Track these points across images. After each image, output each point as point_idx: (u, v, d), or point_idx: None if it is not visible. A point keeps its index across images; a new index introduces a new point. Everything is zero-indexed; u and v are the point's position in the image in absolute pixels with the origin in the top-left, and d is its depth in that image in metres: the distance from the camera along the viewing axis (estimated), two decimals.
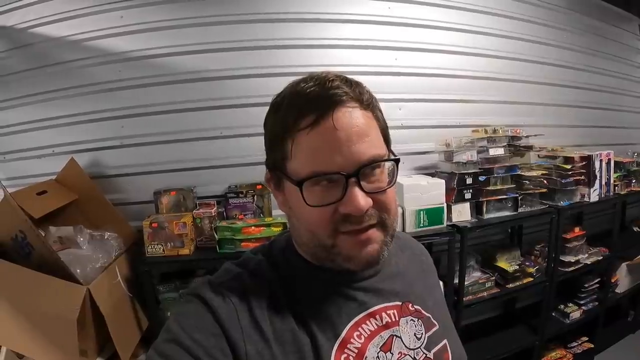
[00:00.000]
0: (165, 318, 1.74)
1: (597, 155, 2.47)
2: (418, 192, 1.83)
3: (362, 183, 0.54)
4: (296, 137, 0.54)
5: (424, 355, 0.63)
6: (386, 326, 0.62)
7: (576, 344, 2.67)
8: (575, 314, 2.54)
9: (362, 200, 0.53)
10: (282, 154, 0.57)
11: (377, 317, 0.62)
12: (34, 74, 1.92)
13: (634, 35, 3.36)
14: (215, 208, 1.81)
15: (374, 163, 0.55)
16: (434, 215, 1.86)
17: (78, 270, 1.45)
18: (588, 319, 2.61)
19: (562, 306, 2.57)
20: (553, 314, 2.53)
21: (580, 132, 2.86)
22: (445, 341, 0.67)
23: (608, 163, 2.56)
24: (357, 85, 0.57)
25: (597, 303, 2.66)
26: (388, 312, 0.63)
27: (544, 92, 2.63)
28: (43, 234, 1.47)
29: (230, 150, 1.95)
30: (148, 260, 1.69)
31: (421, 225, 1.84)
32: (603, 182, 2.51)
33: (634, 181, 2.79)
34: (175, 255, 1.69)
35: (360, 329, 0.60)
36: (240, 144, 1.95)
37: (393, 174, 0.59)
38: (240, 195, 1.87)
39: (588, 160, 2.43)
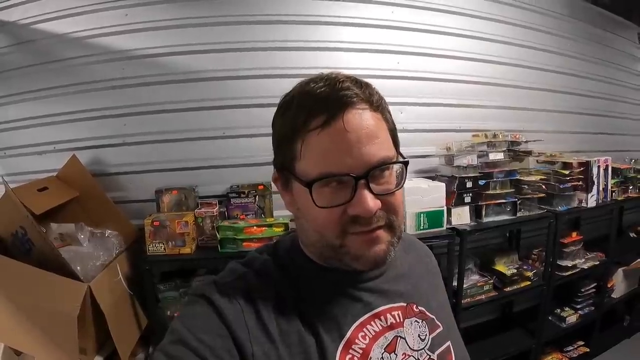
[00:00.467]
0: (165, 317, 1.75)
1: (595, 161, 2.49)
2: (419, 195, 1.84)
3: (371, 185, 0.54)
4: (306, 137, 0.54)
5: (428, 356, 0.63)
6: (391, 327, 0.62)
7: (572, 348, 2.68)
8: (572, 318, 2.55)
9: (371, 202, 0.53)
10: (291, 154, 0.56)
11: (382, 318, 0.62)
12: (36, 70, 1.92)
13: (634, 44, 3.39)
14: (217, 208, 1.81)
15: (384, 165, 0.55)
16: (434, 218, 1.87)
17: (78, 268, 1.45)
18: (584, 323, 2.62)
19: (558, 310, 2.58)
20: (550, 317, 2.54)
21: (579, 138, 2.88)
22: (448, 343, 0.67)
23: (606, 169, 2.58)
24: (367, 86, 0.57)
25: (593, 308, 2.68)
26: (393, 313, 0.63)
27: (545, 98, 2.65)
28: (44, 231, 1.46)
29: (232, 151, 1.96)
30: (149, 258, 1.69)
31: (421, 227, 1.86)
32: (601, 188, 2.53)
33: (631, 187, 2.81)
34: (177, 254, 1.69)
35: (365, 329, 0.60)
36: (242, 144, 1.96)
37: (401, 176, 0.59)
38: (242, 195, 1.88)
39: (586, 166, 2.45)
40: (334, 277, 0.62)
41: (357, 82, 0.56)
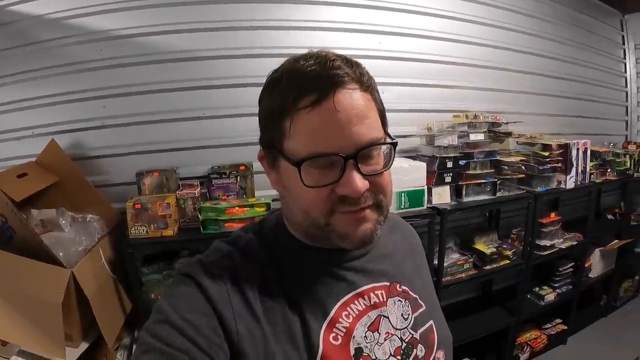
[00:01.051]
0: (149, 300, 1.75)
1: (574, 143, 2.55)
2: (399, 175, 1.85)
3: (360, 165, 0.54)
4: (295, 116, 0.53)
5: (411, 335, 0.64)
6: (374, 306, 0.63)
7: (550, 325, 2.77)
8: (550, 296, 2.62)
9: (360, 182, 0.53)
10: (279, 132, 0.56)
11: (366, 297, 0.63)
12: (13, 53, 1.87)
13: (616, 30, 3.46)
14: (199, 189, 1.81)
15: (373, 146, 0.55)
16: (414, 197, 1.90)
17: (61, 254, 1.42)
18: (562, 301, 2.70)
19: (537, 289, 2.65)
20: (528, 296, 2.60)
21: (560, 121, 2.93)
22: (431, 322, 0.68)
23: (585, 152, 2.63)
24: (357, 65, 0.57)
25: (571, 287, 2.75)
26: (376, 292, 0.64)
27: (526, 80, 2.68)
28: (25, 218, 1.44)
29: (213, 131, 1.94)
30: (131, 242, 1.67)
31: (402, 207, 1.88)
32: (579, 170, 2.59)
33: (609, 170, 2.88)
34: (159, 236, 1.68)
35: (348, 308, 0.61)
36: (223, 124, 1.94)
37: (390, 157, 0.59)
38: (224, 176, 1.87)
39: (565, 148, 2.50)
40: (318, 257, 0.63)
41: (347, 61, 0.56)
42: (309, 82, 0.53)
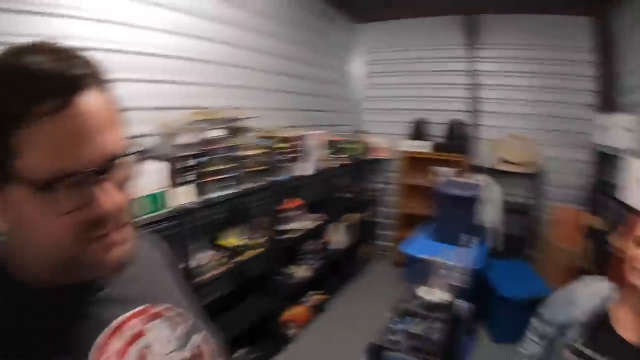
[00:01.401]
0: None
1: (310, 134, 2.90)
2: (138, 178, 1.71)
3: (113, 179, 0.47)
4: (30, 127, 0.41)
5: (181, 356, 0.59)
6: (134, 339, 0.55)
7: (310, 298, 3.13)
8: (304, 273, 2.96)
9: (117, 198, 0.47)
10: (6, 149, 0.42)
11: (123, 331, 0.54)
12: None
13: (348, 36, 4.23)
14: None
15: (124, 155, 0.48)
16: (156, 200, 1.77)
17: None
18: (317, 275, 3.08)
19: (291, 268, 2.94)
20: (283, 277, 2.82)
21: (298, 115, 3.30)
22: (200, 333, 0.64)
23: (321, 142, 3.04)
24: (96, 63, 0.47)
25: (322, 261, 3.17)
26: (133, 321, 0.56)
27: (263, 78, 2.87)
28: None
29: None
30: None
31: (144, 213, 1.71)
32: (316, 158, 2.97)
33: (343, 155, 3.44)
34: None
35: (106, 351, 0.51)
36: None
37: (136, 165, 0.52)
38: None
39: (302, 139, 2.83)
40: (55, 299, 0.50)
41: (83, 56, 0.46)
42: (46, 84, 0.42)
